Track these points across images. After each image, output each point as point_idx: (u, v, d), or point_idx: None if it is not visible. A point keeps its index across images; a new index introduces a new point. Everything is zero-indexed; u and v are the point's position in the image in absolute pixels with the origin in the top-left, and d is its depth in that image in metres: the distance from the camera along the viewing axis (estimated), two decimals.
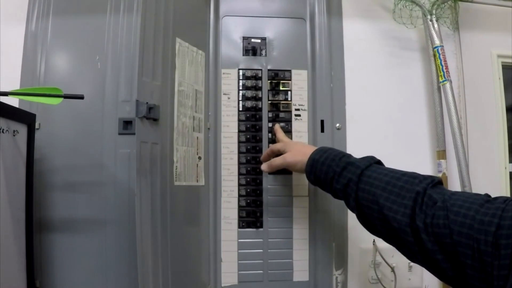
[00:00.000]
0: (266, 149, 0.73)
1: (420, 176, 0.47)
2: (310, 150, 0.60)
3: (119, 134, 0.67)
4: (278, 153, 0.67)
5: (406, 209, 0.44)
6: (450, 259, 0.39)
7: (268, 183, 0.73)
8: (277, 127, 0.73)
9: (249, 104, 0.75)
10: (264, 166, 0.68)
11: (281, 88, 0.76)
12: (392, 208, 0.45)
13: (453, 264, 0.39)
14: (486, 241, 0.36)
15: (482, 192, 0.43)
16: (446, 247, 0.40)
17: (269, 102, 0.75)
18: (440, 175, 0.75)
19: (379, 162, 0.54)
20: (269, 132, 0.74)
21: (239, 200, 0.73)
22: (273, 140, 0.74)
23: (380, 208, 0.46)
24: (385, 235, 0.48)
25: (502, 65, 0.85)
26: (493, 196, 0.41)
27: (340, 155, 0.55)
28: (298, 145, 0.66)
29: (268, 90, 0.75)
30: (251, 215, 0.72)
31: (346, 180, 0.52)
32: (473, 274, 0.37)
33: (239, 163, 0.73)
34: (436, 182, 0.46)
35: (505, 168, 0.82)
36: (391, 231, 0.46)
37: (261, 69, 0.76)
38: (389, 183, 0.47)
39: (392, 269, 0.72)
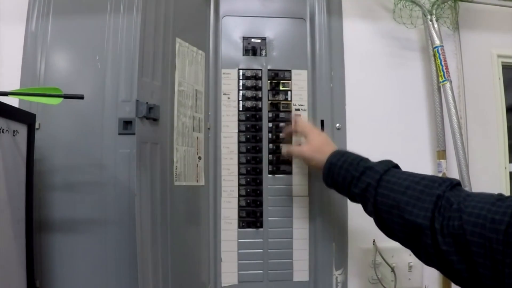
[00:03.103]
0: (266, 149, 0.73)
1: (439, 179, 0.47)
2: (328, 149, 0.60)
3: (119, 134, 0.67)
4: (303, 133, 0.66)
5: (427, 212, 0.44)
6: (464, 260, 0.40)
7: (268, 183, 0.73)
8: (297, 118, 0.70)
9: (249, 104, 0.75)
10: (284, 150, 0.71)
11: (281, 88, 0.76)
12: (413, 212, 0.45)
13: (468, 265, 0.40)
14: (497, 240, 0.36)
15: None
16: (460, 248, 0.40)
17: (269, 102, 0.75)
18: (440, 175, 0.74)
19: (396, 166, 0.54)
20: (269, 132, 0.74)
21: (239, 200, 0.73)
22: (273, 140, 0.74)
23: (401, 213, 0.46)
24: (404, 239, 0.48)
25: (502, 65, 0.85)
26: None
27: (358, 159, 0.56)
28: (318, 138, 0.64)
29: (268, 90, 0.75)
30: (251, 215, 0.72)
31: (364, 184, 0.52)
32: (485, 273, 0.38)
33: (239, 163, 0.73)
34: (455, 184, 0.46)
35: (505, 168, 0.82)
36: (410, 235, 0.46)
37: (261, 69, 0.76)
38: (409, 187, 0.47)
39: (392, 269, 0.72)
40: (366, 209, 0.53)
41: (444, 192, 0.45)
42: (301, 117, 0.72)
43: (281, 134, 0.73)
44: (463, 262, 0.40)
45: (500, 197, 0.41)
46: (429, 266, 0.46)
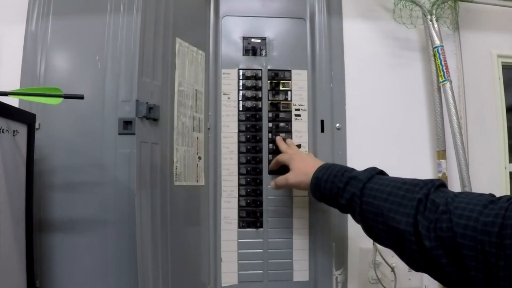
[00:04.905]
0: (266, 149, 0.73)
1: (421, 182, 0.47)
2: (311, 168, 0.60)
3: (119, 134, 0.67)
4: (285, 164, 0.67)
5: (409, 218, 0.43)
6: (454, 262, 0.39)
7: (268, 183, 0.73)
8: (278, 139, 0.72)
9: (249, 104, 0.75)
10: (272, 184, 0.70)
11: (281, 88, 0.76)
12: (396, 219, 0.45)
13: (457, 267, 0.39)
14: (490, 242, 0.35)
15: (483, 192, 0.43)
16: (450, 250, 0.39)
17: (269, 102, 0.75)
18: (440, 175, 0.74)
19: (381, 172, 0.54)
20: (269, 132, 0.74)
21: (239, 200, 0.73)
22: (273, 140, 0.74)
23: (385, 220, 0.46)
24: (391, 246, 0.48)
25: (502, 65, 0.85)
26: (497, 195, 0.41)
27: (342, 170, 0.56)
28: (299, 162, 0.64)
29: (268, 90, 0.75)
30: (251, 215, 0.72)
31: (349, 195, 0.52)
32: (477, 276, 0.37)
33: (239, 163, 0.73)
34: (438, 185, 0.46)
35: (505, 168, 0.82)
36: (396, 242, 0.46)
37: (261, 69, 0.76)
38: (390, 193, 0.47)
39: (392, 269, 0.72)
40: (354, 218, 0.53)
41: (428, 195, 0.44)
42: (282, 140, 0.72)
43: (269, 166, 0.73)
44: (452, 264, 0.39)
45: (492, 198, 0.40)
46: (417, 271, 0.46)
